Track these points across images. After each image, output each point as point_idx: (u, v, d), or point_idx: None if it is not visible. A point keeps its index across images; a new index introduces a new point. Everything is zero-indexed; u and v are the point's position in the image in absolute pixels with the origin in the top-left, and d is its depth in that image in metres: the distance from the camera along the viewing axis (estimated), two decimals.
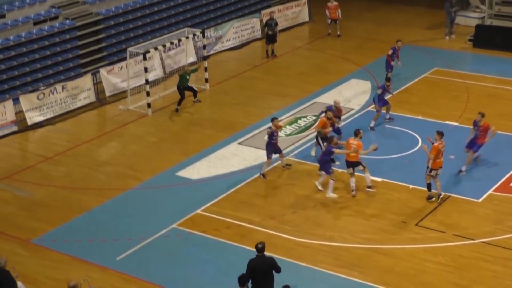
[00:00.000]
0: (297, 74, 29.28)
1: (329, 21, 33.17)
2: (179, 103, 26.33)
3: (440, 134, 19.77)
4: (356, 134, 20.75)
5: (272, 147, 21.23)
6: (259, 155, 22.35)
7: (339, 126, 22.98)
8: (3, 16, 26.54)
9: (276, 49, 31.42)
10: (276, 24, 31.38)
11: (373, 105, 24.51)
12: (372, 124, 24.02)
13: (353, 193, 20.26)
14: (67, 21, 28.14)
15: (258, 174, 21.38)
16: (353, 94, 26.80)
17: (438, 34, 33.04)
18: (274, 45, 31.29)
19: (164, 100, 27.30)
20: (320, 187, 20.54)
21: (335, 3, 32.88)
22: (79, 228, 19.30)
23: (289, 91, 27.53)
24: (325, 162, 20.36)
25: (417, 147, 22.68)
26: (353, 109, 25.42)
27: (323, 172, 20.52)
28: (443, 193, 19.87)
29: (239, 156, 22.69)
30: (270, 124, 21.39)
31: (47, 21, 27.68)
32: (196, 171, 21.97)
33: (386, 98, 24.23)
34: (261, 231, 18.72)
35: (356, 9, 37.52)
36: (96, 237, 18.80)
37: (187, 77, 26.43)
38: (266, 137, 21.49)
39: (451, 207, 19.58)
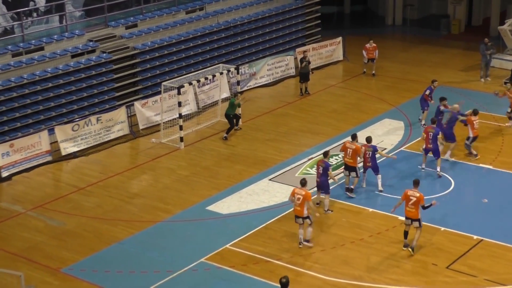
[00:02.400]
0: (330, 112, 29.33)
1: (366, 61, 33.24)
2: (228, 131, 26.81)
3: (415, 183, 19.26)
4: (353, 137, 21.83)
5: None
6: (289, 192, 22.27)
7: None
8: (42, 49, 27.01)
9: (310, 87, 31.54)
10: (309, 62, 31.52)
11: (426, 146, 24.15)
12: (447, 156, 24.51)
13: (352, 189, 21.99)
14: (104, 54, 28.57)
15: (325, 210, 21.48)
16: (386, 134, 26.73)
17: (473, 76, 32.94)
18: (307, 83, 31.41)
19: (197, 134, 27.47)
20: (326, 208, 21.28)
21: (373, 44, 32.93)
22: (109, 259, 19.38)
23: (322, 129, 27.56)
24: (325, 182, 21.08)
25: (450, 189, 22.50)
26: (385, 148, 25.33)
27: (323, 193, 21.25)
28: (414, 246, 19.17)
29: (270, 192, 22.68)
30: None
31: (84, 54, 28.12)
32: (226, 206, 22.00)
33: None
34: (289, 268, 18.62)
35: (390, 50, 37.61)
36: (125, 269, 18.85)
37: (236, 104, 26.88)
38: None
39: (482, 251, 19.32)
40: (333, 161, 24.63)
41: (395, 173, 23.65)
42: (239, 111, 27.80)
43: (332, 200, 22.06)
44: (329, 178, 21.23)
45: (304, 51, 32.57)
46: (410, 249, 19.09)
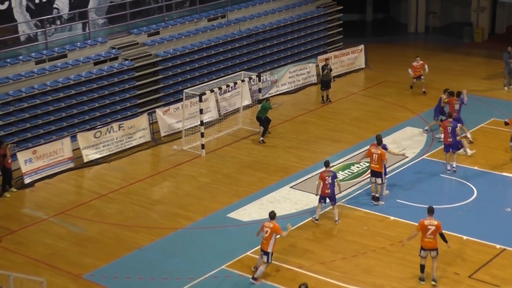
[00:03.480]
0: (352, 120, 29.26)
1: (414, 80, 31.94)
2: (263, 134, 27.22)
3: (430, 211, 18.05)
4: (379, 142, 21.79)
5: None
6: (311, 200, 22.29)
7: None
8: (65, 56, 27.22)
9: (331, 95, 31.49)
10: (331, 70, 31.47)
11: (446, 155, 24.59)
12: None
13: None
14: (126, 61, 28.72)
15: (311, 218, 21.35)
16: (407, 142, 26.61)
17: (496, 85, 32.73)
18: (328, 91, 31.36)
19: (218, 141, 27.51)
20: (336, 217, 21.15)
21: (420, 62, 31.62)
22: (130, 266, 19.43)
23: (343, 137, 27.50)
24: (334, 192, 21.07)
25: (472, 198, 22.35)
26: (407, 156, 25.20)
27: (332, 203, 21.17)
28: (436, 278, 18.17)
29: (291, 199, 22.64)
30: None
31: (107, 61, 28.29)
32: (247, 213, 21.99)
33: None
34: (310, 275, 18.56)
35: (413, 58, 37.36)
36: (146, 275, 18.89)
37: (268, 107, 27.13)
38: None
39: (505, 260, 19.14)
40: (354, 169, 24.56)
41: (416, 181, 23.51)
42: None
43: (353, 208, 22.00)
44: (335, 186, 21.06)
45: (326, 59, 32.53)
46: (433, 282, 17.96)
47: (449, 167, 24.08)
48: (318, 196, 21.09)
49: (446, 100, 26.55)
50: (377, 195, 22.16)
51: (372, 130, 27.83)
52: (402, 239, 18.49)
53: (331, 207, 21.32)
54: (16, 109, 25.35)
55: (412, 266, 18.94)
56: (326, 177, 20.86)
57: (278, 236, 18.27)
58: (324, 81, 31.28)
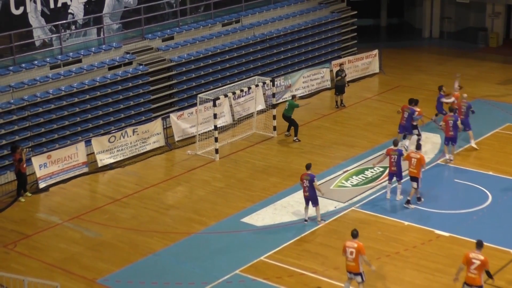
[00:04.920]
0: (366, 125, 29.20)
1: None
2: (296, 133, 27.60)
3: (479, 245, 16.74)
4: (418, 147, 22.16)
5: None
6: (324, 204, 22.27)
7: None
8: (80, 61, 27.34)
9: (345, 100, 31.47)
10: (345, 75, 31.46)
11: (443, 158, 25.35)
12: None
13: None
14: (140, 66, 28.81)
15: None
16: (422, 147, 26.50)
17: (511, 90, 32.56)
18: (342, 96, 31.34)
19: (232, 146, 27.54)
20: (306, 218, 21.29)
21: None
22: (144, 270, 19.46)
23: (357, 142, 27.45)
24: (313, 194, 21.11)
25: (487, 203, 22.25)
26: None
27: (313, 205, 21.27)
28: None
29: (304, 204, 22.58)
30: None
31: (121, 66, 28.40)
32: (261, 218, 21.98)
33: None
34: (324, 281, 18.54)
35: (427, 63, 37.40)
36: (160, 280, 18.92)
37: (295, 105, 27.45)
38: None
39: None
40: (368, 173, 24.51)
41: (431, 186, 23.41)
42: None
43: (367, 213, 21.94)
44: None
45: (341, 64, 32.50)
46: None
47: (447, 157, 25.02)
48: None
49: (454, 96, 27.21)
50: (409, 198, 22.18)
51: (386, 135, 27.78)
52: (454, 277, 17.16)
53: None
54: (31, 114, 25.47)
55: (426, 271, 18.88)
56: (304, 180, 21.01)
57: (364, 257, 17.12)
58: (338, 86, 31.27)
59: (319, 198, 21.27)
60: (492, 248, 19.69)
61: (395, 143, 22.69)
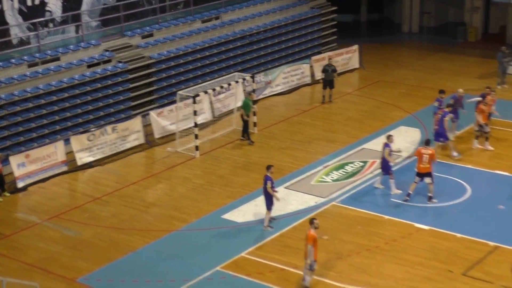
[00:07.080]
0: (346, 120, 29.25)
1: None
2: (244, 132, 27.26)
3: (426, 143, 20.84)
4: (427, 143, 22.11)
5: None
6: (306, 200, 22.30)
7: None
8: (58, 59, 27.17)
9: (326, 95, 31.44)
10: (334, 70, 31.34)
11: None
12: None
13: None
14: (120, 64, 28.68)
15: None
16: (401, 141, 26.56)
17: (490, 84, 32.61)
18: (332, 91, 31.28)
19: (212, 143, 27.48)
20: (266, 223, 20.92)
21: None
22: (124, 268, 19.37)
23: (337, 137, 27.49)
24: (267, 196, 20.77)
25: (466, 196, 22.37)
26: (401, 155, 25.18)
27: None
28: None
29: (285, 200, 22.58)
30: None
31: (100, 64, 28.25)
32: (242, 214, 21.95)
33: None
34: None
35: (407, 57, 37.54)
36: (141, 278, 18.84)
37: (250, 104, 27.09)
38: None
39: (499, 257, 19.14)
40: (348, 168, 24.55)
41: (411, 180, 23.42)
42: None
43: (347, 207, 21.97)
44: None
45: (329, 58, 32.43)
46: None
47: (455, 154, 25.12)
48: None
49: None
50: (430, 195, 22.04)
51: (367, 130, 27.85)
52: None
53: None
54: (8, 113, 25.27)
55: (407, 265, 18.95)
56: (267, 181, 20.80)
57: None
58: (328, 81, 31.16)
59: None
60: (471, 241, 19.81)
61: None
